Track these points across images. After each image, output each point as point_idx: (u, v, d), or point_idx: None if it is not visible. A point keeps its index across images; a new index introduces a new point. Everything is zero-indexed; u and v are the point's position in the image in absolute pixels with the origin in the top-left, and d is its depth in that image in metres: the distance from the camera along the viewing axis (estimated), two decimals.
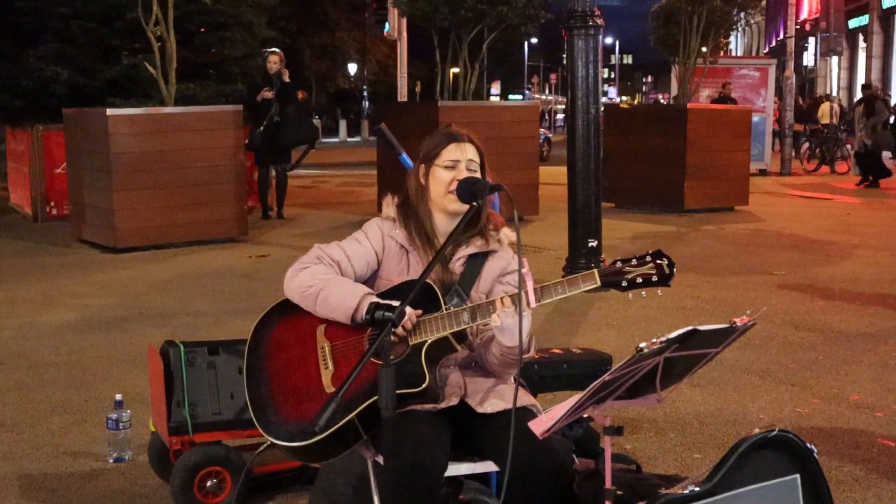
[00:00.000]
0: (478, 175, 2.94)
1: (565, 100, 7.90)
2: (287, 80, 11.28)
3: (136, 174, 9.32)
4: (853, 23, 35.51)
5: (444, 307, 2.75)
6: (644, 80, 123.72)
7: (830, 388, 5.05)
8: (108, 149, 9.17)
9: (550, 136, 29.92)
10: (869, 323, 6.53)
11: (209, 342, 3.65)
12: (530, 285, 2.61)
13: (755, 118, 16.20)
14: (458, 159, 2.92)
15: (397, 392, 2.36)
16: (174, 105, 9.86)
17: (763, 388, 5.05)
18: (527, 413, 2.67)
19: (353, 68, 46.86)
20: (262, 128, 11.14)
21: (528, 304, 2.61)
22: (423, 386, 2.65)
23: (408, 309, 2.65)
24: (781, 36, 36.81)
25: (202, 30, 16.27)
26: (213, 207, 9.82)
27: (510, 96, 63.07)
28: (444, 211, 2.94)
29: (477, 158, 2.96)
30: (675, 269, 2.62)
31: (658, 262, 2.63)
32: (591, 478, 2.96)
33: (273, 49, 12.09)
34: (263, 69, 11.55)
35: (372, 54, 44.69)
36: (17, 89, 15.81)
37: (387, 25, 21.09)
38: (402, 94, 18.22)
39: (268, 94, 11.13)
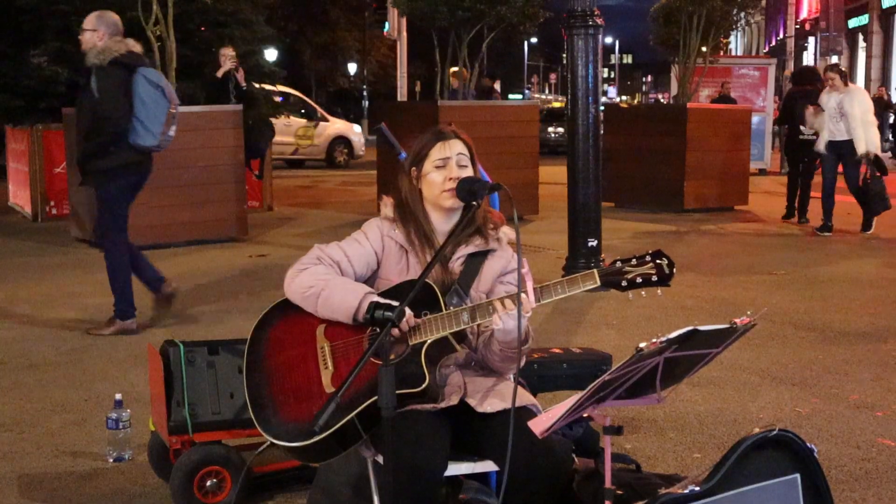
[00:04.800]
0: (469, 167, 2.95)
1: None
2: (243, 84, 11.05)
3: None
4: (853, 22, 35.49)
5: (444, 307, 2.75)
6: (644, 79, 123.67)
7: (830, 388, 5.04)
8: None
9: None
10: (869, 323, 6.53)
11: (209, 342, 3.64)
12: (530, 285, 2.62)
13: (755, 118, 16.20)
14: (448, 156, 2.93)
15: (397, 392, 2.36)
16: None
17: (763, 387, 5.05)
18: (527, 413, 2.67)
19: (352, 68, 46.84)
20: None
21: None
22: (423, 386, 2.65)
23: (407, 311, 2.65)
24: (781, 35, 36.83)
25: (202, 28, 16.26)
26: (213, 207, 9.81)
27: (510, 96, 63.01)
28: (441, 208, 2.95)
29: (466, 151, 2.97)
30: (674, 269, 2.63)
31: (658, 262, 2.63)
32: (591, 477, 2.96)
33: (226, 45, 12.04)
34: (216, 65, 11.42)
35: (372, 54, 44.66)
36: (17, 89, 15.77)
37: (386, 25, 21.12)
38: (402, 94, 18.24)
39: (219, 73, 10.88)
